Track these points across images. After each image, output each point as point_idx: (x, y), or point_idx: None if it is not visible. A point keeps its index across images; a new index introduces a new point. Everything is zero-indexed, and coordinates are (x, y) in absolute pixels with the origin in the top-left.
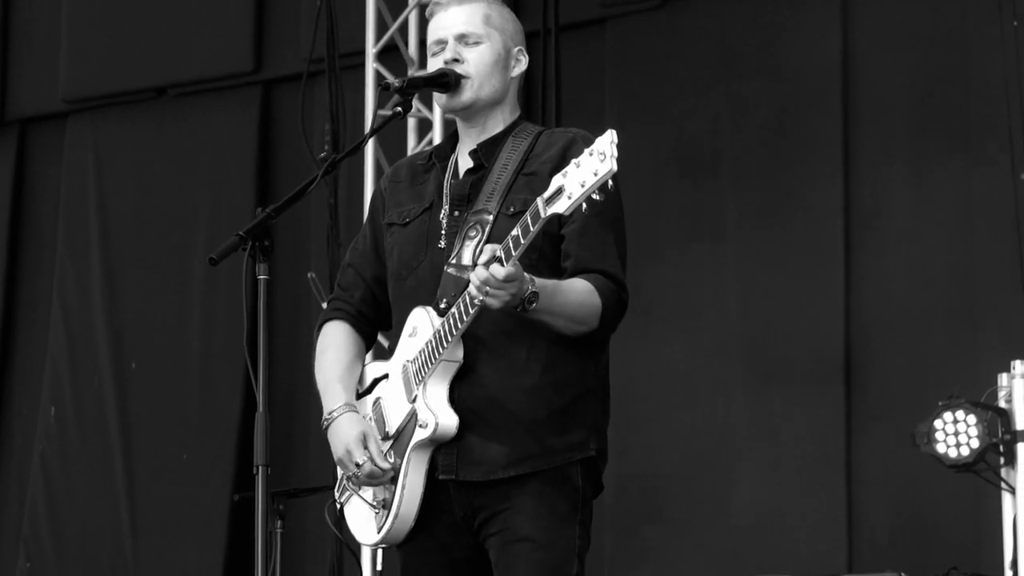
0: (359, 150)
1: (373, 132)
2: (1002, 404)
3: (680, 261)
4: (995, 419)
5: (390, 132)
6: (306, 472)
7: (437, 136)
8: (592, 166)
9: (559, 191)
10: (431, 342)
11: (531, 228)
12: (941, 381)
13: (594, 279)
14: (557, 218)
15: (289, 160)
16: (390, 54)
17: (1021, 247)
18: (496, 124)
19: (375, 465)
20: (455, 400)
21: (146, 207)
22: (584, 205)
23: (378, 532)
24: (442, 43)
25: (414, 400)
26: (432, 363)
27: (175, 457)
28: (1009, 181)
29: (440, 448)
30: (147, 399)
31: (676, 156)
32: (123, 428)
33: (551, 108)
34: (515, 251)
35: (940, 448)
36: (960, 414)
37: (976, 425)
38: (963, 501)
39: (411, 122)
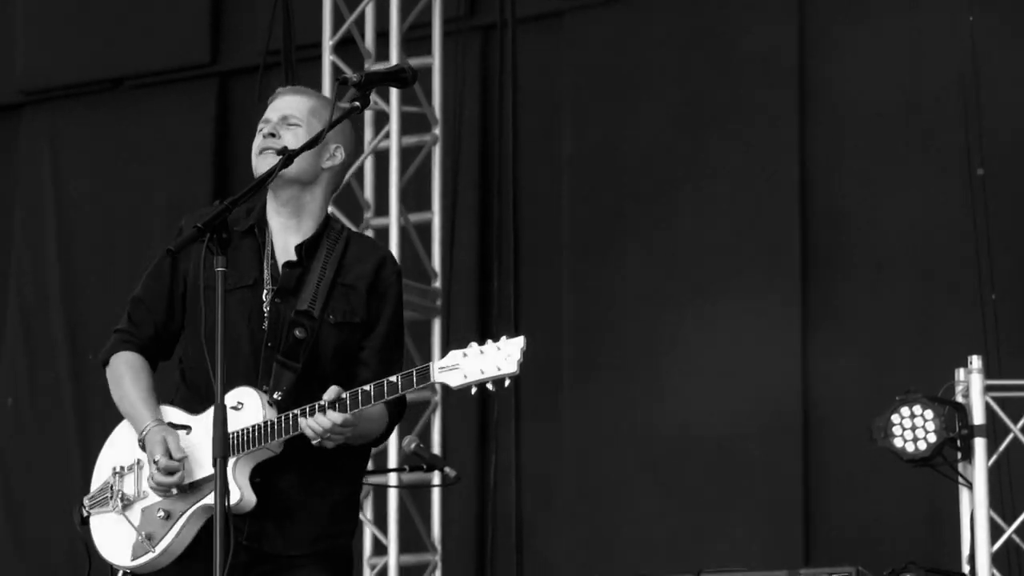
0: (318, 143)
1: (331, 126)
2: (959, 399)
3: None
4: (952, 414)
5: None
6: None
7: (394, 128)
8: (496, 361)
9: (455, 367)
10: (260, 428)
11: (405, 388)
12: (897, 375)
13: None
14: (361, 327)
15: (247, 152)
16: (347, 47)
17: (977, 242)
18: (309, 213)
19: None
20: (267, 482)
21: (103, 199)
22: (385, 321)
23: (133, 559)
24: (267, 122)
25: (234, 474)
26: (254, 446)
27: None
28: (967, 177)
29: (249, 518)
30: (105, 392)
31: (636, 152)
32: (80, 421)
33: (508, 101)
34: (360, 404)
35: (898, 443)
36: (917, 408)
37: (933, 420)
38: (920, 495)
39: (368, 114)
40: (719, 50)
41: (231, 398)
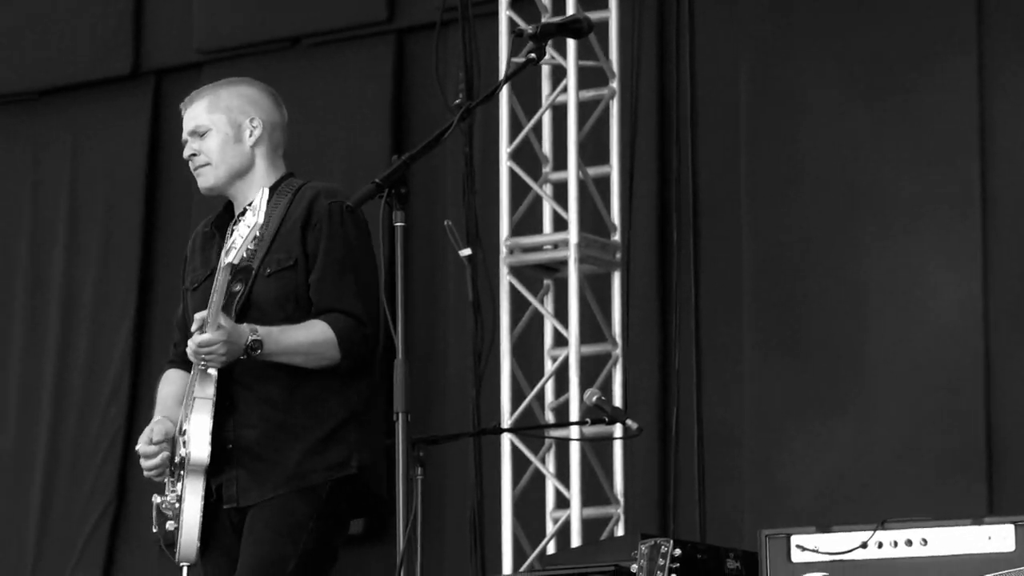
0: (493, 97)
1: (507, 79)
2: None
3: None
4: None
5: (524, 79)
6: (444, 419)
7: (572, 83)
8: (249, 220)
9: (232, 244)
10: (189, 383)
11: (218, 279)
12: None
13: (328, 316)
14: (295, 269)
15: (423, 108)
16: (523, 2)
17: None
18: (258, 187)
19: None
20: (233, 436)
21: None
22: (322, 252)
23: (175, 552)
24: (185, 142)
25: (183, 434)
26: (190, 400)
27: None
28: None
29: (224, 479)
30: None
31: (814, 100)
32: None
33: (685, 52)
34: (212, 314)
35: None
36: None
37: None
38: None
39: (544, 69)
40: (899, 2)
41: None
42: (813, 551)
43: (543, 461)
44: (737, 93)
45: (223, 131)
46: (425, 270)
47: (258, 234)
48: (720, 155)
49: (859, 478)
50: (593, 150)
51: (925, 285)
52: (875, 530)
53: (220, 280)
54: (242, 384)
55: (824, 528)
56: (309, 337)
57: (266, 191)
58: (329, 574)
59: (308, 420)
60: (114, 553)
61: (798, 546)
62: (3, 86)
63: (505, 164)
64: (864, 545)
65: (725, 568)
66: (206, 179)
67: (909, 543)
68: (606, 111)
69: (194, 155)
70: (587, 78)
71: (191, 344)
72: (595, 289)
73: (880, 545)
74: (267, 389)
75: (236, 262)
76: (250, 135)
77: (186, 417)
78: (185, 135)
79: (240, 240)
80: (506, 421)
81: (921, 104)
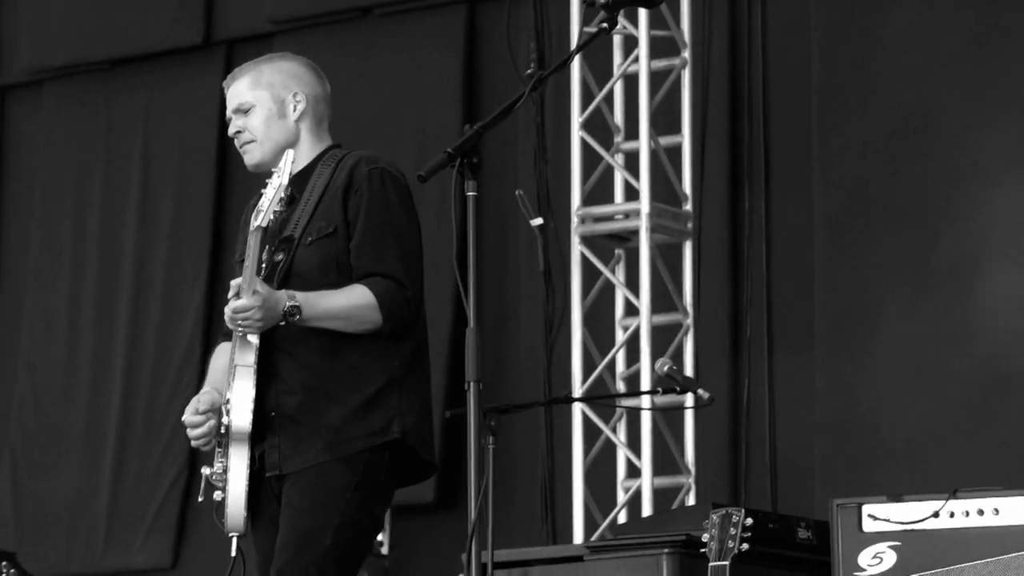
0: (565, 67)
1: (579, 48)
2: None
3: None
4: None
5: (596, 49)
6: (516, 388)
7: (643, 52)
8: (274, 182)
9: (259, 208)
10: (231, 352)
11: (250, 244)
12: None
13: (368, 280)
14: (335, 236)
15: (495, 78)
16: None
17: None
18: (302, 160)
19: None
20: (274, 404)
21: (354, 126)
22: (363, 217)
23: (223, 523)
24: (229, 120)
25: (227, 403)
26: (232, 369)
27: None
28: None
29: (266, 447)
30: None
31: (887, 71)
32: None
33: (757, 22)
34: (248, 280)
35: None
36: None
37: None
38: None
39: (616, 39)
40: None
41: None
42: (884, 520)
43: (614, 430)
44: (809, 61)
45: (267, 107)
46: (496, 240)
47: (283, 195)
48: (791, 124)
49: (931, 447)
50: (664, 119)
51: (998, 253)
52: (947, 499)
53: (252, 245)
54: (283, 351)
55: (895, 497)
56: (348, 301)
57: (290, 152)
58: (372, 543)
59: (349, 385)
60: (185, 522)
61: (869, 515)
62: (76, 56)
63: (577, 134)
64: (936, 515)
65: (796, 538)
66: (252, 156)
67: (981, 513)
68: (677, 80)
69: (239, 132)
70: (659, 47)
71: (227, 311)
72: (666, 258)
73: (952, 515)
74: (308, 355)
75: (264, 225)
76: (294, 110)
77: (229, 386)
78: (229, 113)
79: (267, 203)
80: (577, 390)
81: (1003, 70)
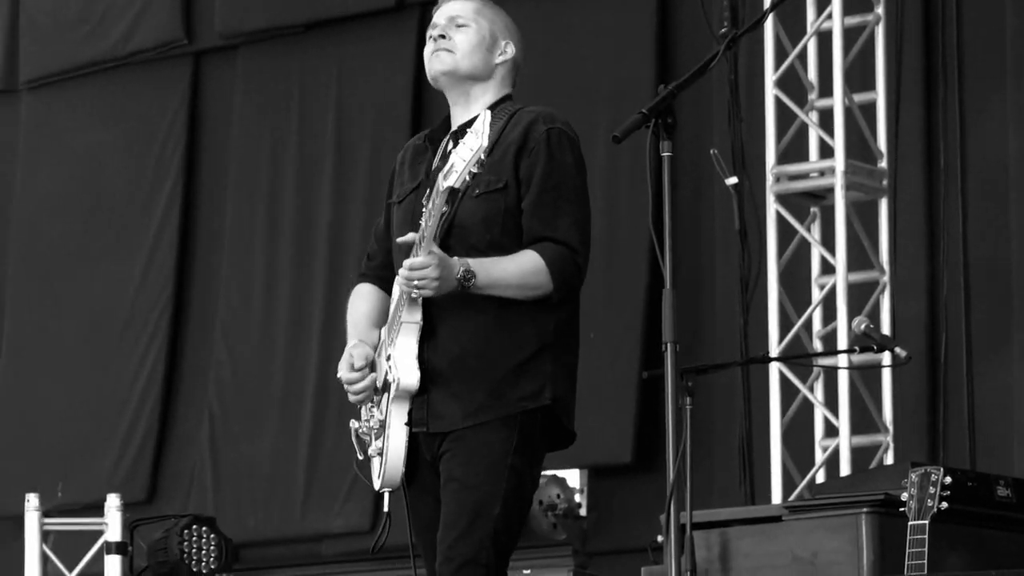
0: (759, 26)
1: (773, 7)
2: None
3: None
4: None
5: (789, 6)
6: (713, 348)
7: (837, 9)
8: (472, 143)
9: (451, 167)
10: (395, 307)
11: (435, 203)
12: None
13: (540, 246)
14: (505, 192)
15: (688, 37)
16: None
17: None
18: (481, 105)
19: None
20: (424, 360)
21: (547, 85)
22: (538, 178)
23: (377, 478)
24: (435, 26)
25: (388, 359)
26: (396, 325)
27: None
28: None
29: (414, 403)
30: None
31: None
32: None
33: None
34: (427, 238)
35: None
36: None
37: None
38: None
39: None
40: None
41: (393, 292)
42: None
43: (811, 389)
44: (1003, 16)
45: (481, 33)
46: (691, 199)
47: (483, 157)
48: (986, 80)
49: None
50: (858, 76)
51: None
52: None
53: (437, 203)
54: (441, 309)
55: None
56: (520, 268)
57: (488, 114)
58: (531, 502)
59: (503, 348)
60: None
61: None
62: (270, 20)
63: (771, 92)
64: None
65: (996, 496)
66: (442, 63)
67: None
68: (871, 37)
69: (442, 36)
70: (852, 4)
71: (401, 270)
72: (862, 216)
73: None
74: (464, 316)
75: (457, 186)
76: (500, 53)
77: (391, 341)
78: (441, 19)
79: (461, 163)
80: (774, 350)
81: None
